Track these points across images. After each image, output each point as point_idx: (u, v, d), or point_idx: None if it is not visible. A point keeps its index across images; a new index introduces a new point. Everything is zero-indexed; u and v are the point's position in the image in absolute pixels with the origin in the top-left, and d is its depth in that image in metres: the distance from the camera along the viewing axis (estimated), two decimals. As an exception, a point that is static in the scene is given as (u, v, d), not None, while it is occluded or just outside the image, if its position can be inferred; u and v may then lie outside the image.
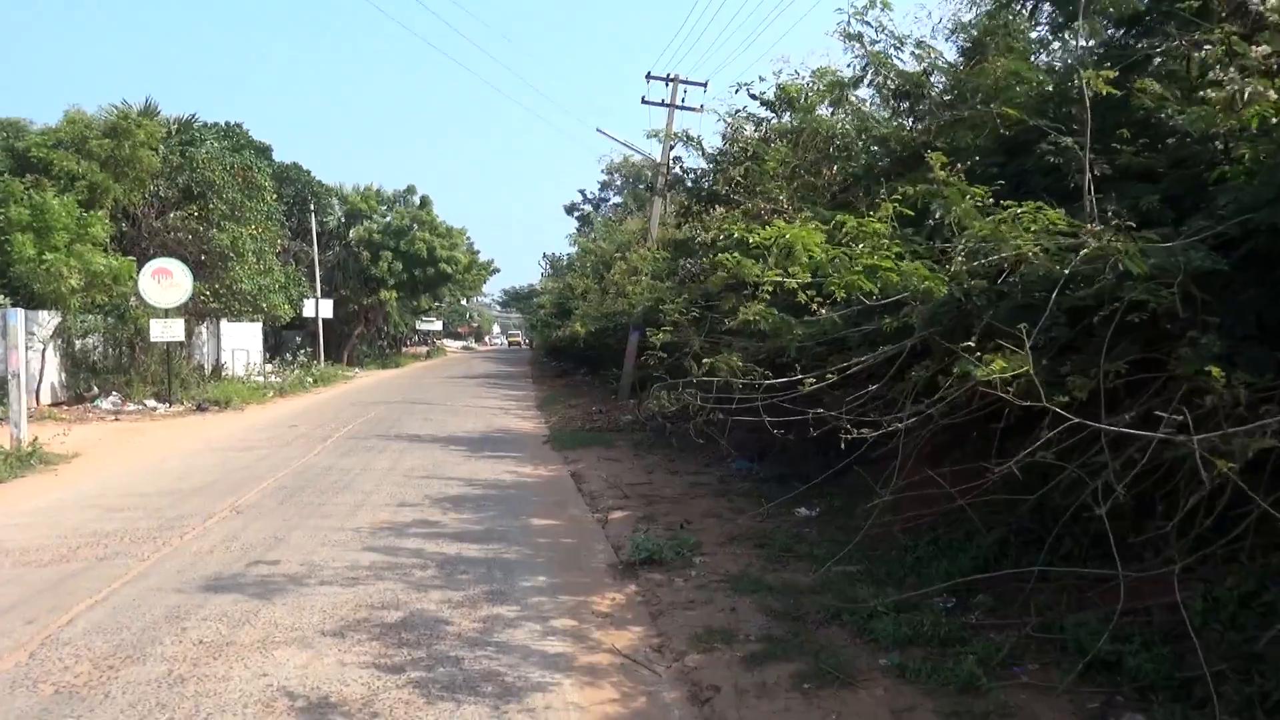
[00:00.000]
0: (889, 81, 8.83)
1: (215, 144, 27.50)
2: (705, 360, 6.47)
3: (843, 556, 7.02)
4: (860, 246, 5.60)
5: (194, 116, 28.86)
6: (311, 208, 41.22)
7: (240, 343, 26.24)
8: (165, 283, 20.82)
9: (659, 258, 13.08)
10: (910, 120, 9.33)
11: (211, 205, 25.55)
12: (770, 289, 5.85)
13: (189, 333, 26.13)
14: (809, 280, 5.53)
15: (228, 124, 38.06)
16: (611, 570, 7.07)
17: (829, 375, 5.91)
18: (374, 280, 44.51)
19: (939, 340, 5.64)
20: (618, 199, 69.75)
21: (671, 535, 7.93)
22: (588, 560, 7.40)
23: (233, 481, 10.62)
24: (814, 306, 5.76)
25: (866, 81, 9.11)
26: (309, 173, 42.85)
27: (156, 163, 24.69)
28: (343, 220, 45.57)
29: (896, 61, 8.76)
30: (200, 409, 20.61)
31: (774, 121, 10.96)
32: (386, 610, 5.83)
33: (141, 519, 8.47)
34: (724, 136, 13.70)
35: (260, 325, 27.74)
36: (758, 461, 12.02)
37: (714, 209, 12.12)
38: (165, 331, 20.76)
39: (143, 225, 24.62)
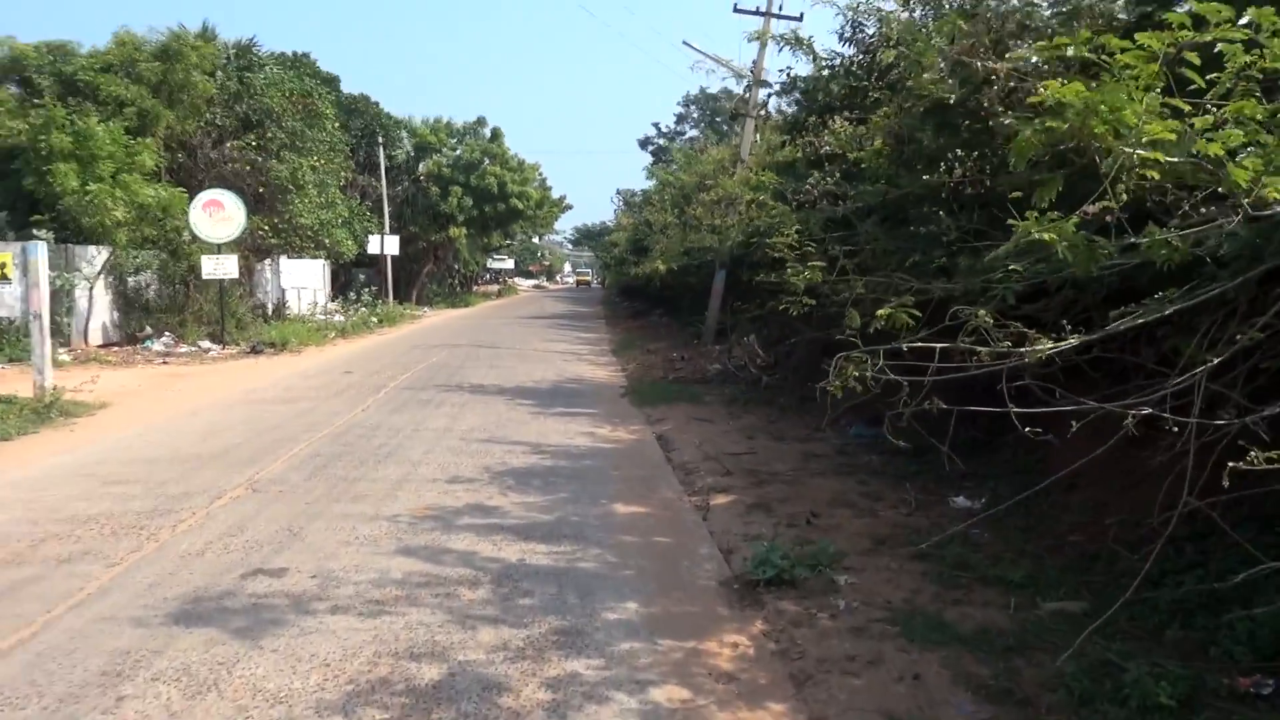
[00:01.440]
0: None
1: (275, 70, 25.88)
2: (883, 312, 4.48)
3: (1051, 585, 5.07)
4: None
5: (254, 41, 27.21)
6: (380, 141, 39.74)
7: (301, 280, 24.94)
8: (217, 215, 19.44)
9: (764, 182, 11.03)
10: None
11: (270, 134, 24.10)
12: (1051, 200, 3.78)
13: (247, 269, 24.95)
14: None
15: (294, 54, 36.82)
16: (726, 592, 5.22)
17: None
18: (443, 216, 43.02)
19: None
20: (694, 132, 66.97)
21: (798, 536, 6.04)
22: (692, 573, 5.56)
23: (260, 445, 9.04)
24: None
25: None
26: (377, 105, 41.38)
27: (211, 88, 23.26)
28: (411, 154, 44.02)
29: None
30: (255, 351, 19.33)
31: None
32: (418, 662, 4.09)
33: (137, 497, 6.90)
34: (841, 36, 11.46)
35: (323, 262, 26.40)
36: (876, 426, 10.04)
37: (832, 120, 9.95)
38: (218, 268, 19.45)
39: (198, 155, 23.29)
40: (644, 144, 71.71)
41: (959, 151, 6.33)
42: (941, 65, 6.33)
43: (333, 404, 11.94)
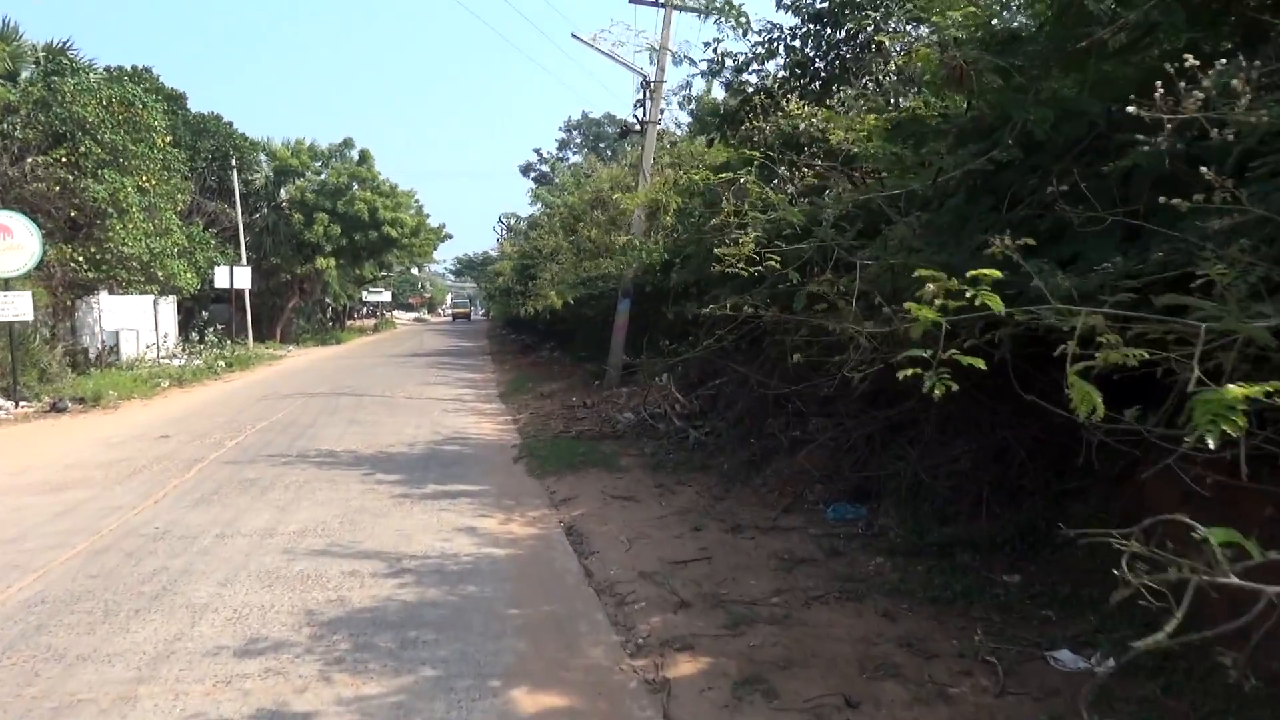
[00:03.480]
0: None
1: (92, 76, 22.08)
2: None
3: None
4: None
5: (68, 44, 23.40)
6: (233, 163, 35.79)
7: (127, 320, 21.10)
8: (4, 243, 15.70)
9: (697, 183, 8.50)
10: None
11: (84, 149, 20.32)
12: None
13: (61, 308, 21.08)
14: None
15: (134, 67, 32.86)
16: None
17: None
18: (309, 246, 39.16)
19: None
20: (577, 157, 64.53)
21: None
22: None
23: (-44, 584, 5.88)
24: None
25: None
26: (230, 124, 37.33)
27: (8, 94, 19.45)
28: (271, 178, 40.10)
29: None
30: (55, 409, 15.65)
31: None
32: None
33: None
34: (780, 3, 9.13)
35: (152, 299, 22.58)
36: (862, 503, 7.55)
37: (786, 100, 7.53)
38: (7, 308, 15.69)
39: (-10, 173, 19.37)
40: (525, 170, 68.90)
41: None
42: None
43: (117, 492, 8.73)
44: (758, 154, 5.21)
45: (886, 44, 8.10)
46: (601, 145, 59.87)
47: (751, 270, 6.47)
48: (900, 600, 5.30)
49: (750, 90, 9.06)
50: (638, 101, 19.25)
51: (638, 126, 19.55)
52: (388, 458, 10.64)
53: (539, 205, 36.69)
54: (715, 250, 6.67)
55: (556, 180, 44.61)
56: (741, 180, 5.17)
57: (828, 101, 7.96)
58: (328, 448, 11.29)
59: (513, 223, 49.42)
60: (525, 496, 8.70)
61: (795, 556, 6.28)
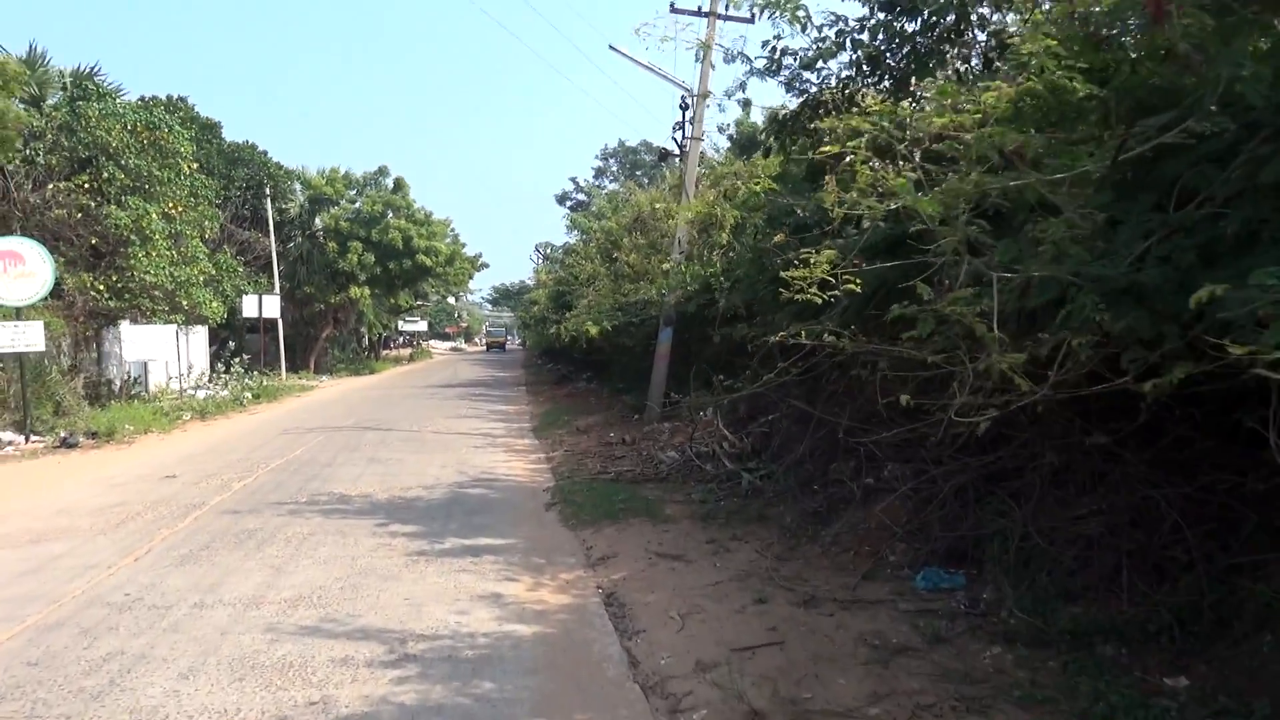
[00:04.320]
0: None
1: (118, 101, 21.57)
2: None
3: None
4: None
5: (96, 69, 22.97)
6: (268, 192, 35.38)
7: (149, 350, 20.37)
8: (15, 270, 14.99)
9: (759, 195, 7.39)
10: None
11: (107, 175, 19.74)
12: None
13: (82, 339, 20.40)
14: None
15: (169, 97, 32.69)
16: None
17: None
18: (343, 275, 38.63)
19: None
20: (614, 185, 63.81)
21: None
22: None
23: None
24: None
25: None
26: (265, 153, 37.02)
27: (30, 119, 18.93)
28: (306, 207, 39.68)
29: None
30: (66, 445, 14.82)
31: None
32: None
33: None
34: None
35: (175, 329, 21.85)
36: (958, 566, 6.32)
37: (863, 97, 6.41)
38: (18, 338, 14.95)
39: (13, 199, 18.81)
40: (561, 199, 68.37)
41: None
42: None
43: (98, 545, 7.72)
44: (869, 124, 4.06)
45: (975, 29, 6.97)
46: (639, 173, 59.13)
47: (827, 295, 5.35)
48: (1039, 715, 4.07)
49: (814, 90, 7.93)
50: (676, 124, 18.28)
51: (677, 151, 18.60)
52: (406, 504, 9.56)
53: (575, 233, 35.81)
54: (782, 274, 5.55)
55: (593, 208, 43.84)
56: (849, 159, 4.01)
57: (903, 101, 6.84)
58: (342, 490, 10.25)
59: (549, 251, 48.69)
60: (558, 553, 7.56)
61: (889, 642, 5.07)
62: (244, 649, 5.12)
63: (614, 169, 68.30)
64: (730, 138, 29.71)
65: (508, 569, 7.00)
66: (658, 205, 16.26)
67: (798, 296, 5.48)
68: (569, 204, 66.30)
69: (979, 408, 3.95)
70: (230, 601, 6.05)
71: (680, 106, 18.51)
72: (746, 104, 7.27)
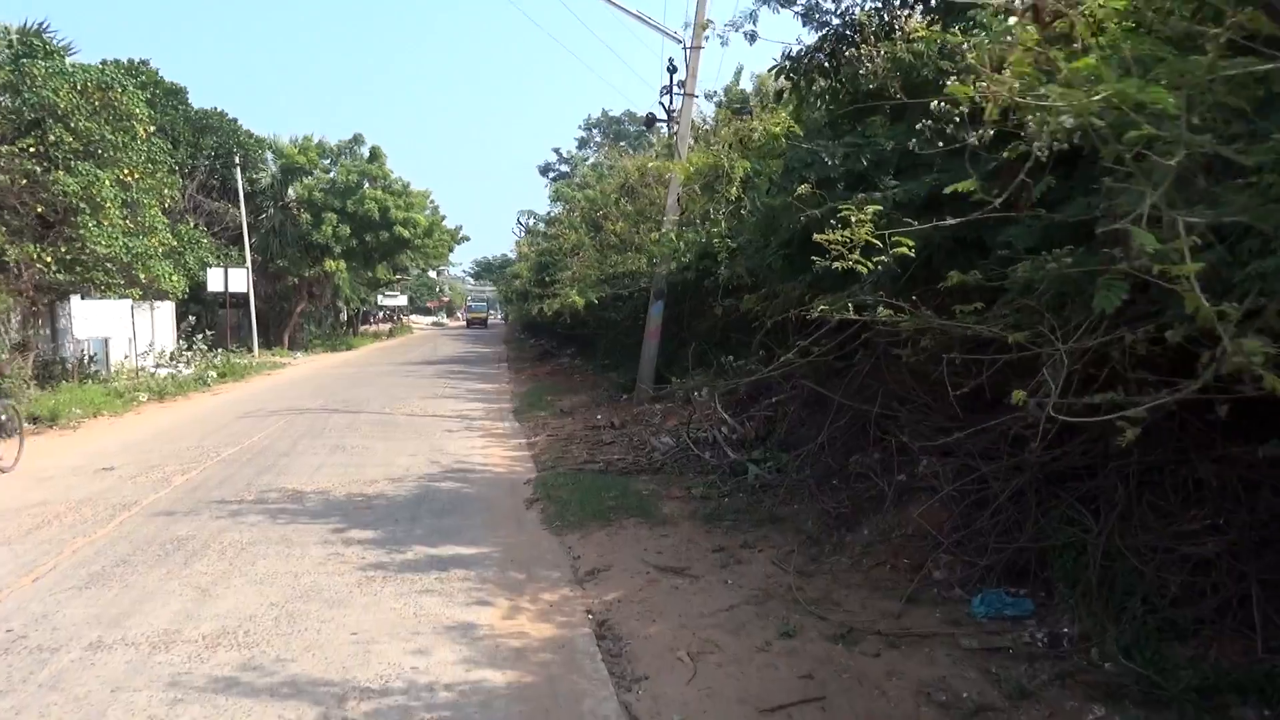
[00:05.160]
0: None
1: (66, 60, 20.06)
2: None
3: None
4: None
5: (44, 25, 21.35)
6: (237, 160, 33.85)
7: (102, 327, 19.05)
8: (-57, 242, 13.65)
9: (779, 137, 6.28)
10: None
11: (54, 137, 18.28)
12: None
13: (30, 315, 19.03)
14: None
15: (130, 60, 31.04)
16: None
17: None
18: (317, 247, 37.12)
19: None
20: (598, 157, 62.22)
21: None
22: None
23: None
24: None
25: None
26: (235, 121, 35.43)
27: (-35, 78, 17.47)
28: (278, 177, 38.10)
29: None
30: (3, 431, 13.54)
31: None
32: None
33: None
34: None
35: (130, 303, 20.50)
36: (1021, 589, 5.24)
37: (894, 32, 5.27)
38: (-52, 316, 13.65)
39: (-52, 165, 17.36)
40: (544, 170, 66.75)
41: None
42: None
43: (-3, 560, 6.56)
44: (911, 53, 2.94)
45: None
46: (622, 143, 57.67)
47: (874, 261, 4.27)
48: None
49: (835, 22, 6.75)
50: (664, 88, 17.08)
51: (664, 116, 17.38)
52: (367, 502, 8.42)
53: (559, 204, 34.46)
54: (815, 237, 4.42)
55: (577, 179, 42.46)
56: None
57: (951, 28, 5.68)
58: (295, 486, 9.08)
59: (531, 222, 47.30)
60: (539, 566, 6.45)
61: (958, 697, 3.99)
62: (135, 716, 3.99)
63: (597, 139, 66.68)
64: (719, 104, 28.47)
65: (480, 588, 5.88)
66: (650, 165, 14.98)
67: (835, 265, 4.37)
68: (552, 175, 64.76)
69: (1115, 405, 2.85)
70: (135, 640, 4.91)
71: (668, 69, 17.31)
72: (753, 36, 6.16)
